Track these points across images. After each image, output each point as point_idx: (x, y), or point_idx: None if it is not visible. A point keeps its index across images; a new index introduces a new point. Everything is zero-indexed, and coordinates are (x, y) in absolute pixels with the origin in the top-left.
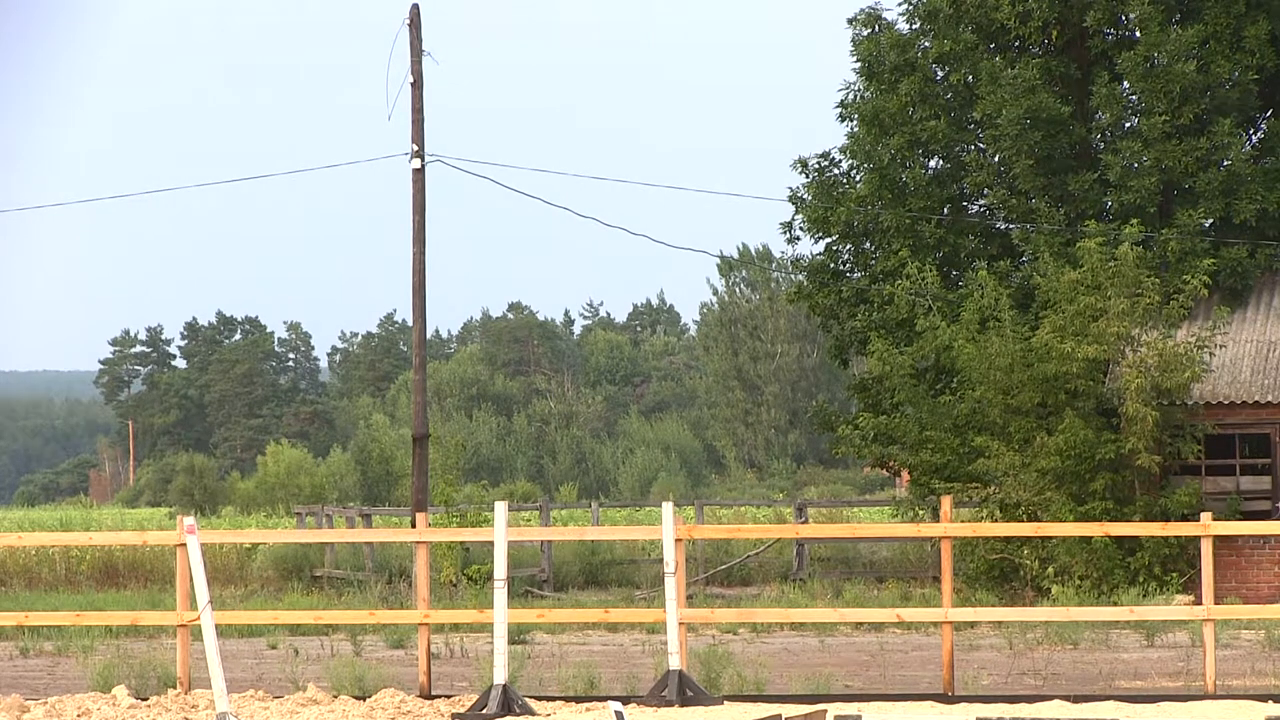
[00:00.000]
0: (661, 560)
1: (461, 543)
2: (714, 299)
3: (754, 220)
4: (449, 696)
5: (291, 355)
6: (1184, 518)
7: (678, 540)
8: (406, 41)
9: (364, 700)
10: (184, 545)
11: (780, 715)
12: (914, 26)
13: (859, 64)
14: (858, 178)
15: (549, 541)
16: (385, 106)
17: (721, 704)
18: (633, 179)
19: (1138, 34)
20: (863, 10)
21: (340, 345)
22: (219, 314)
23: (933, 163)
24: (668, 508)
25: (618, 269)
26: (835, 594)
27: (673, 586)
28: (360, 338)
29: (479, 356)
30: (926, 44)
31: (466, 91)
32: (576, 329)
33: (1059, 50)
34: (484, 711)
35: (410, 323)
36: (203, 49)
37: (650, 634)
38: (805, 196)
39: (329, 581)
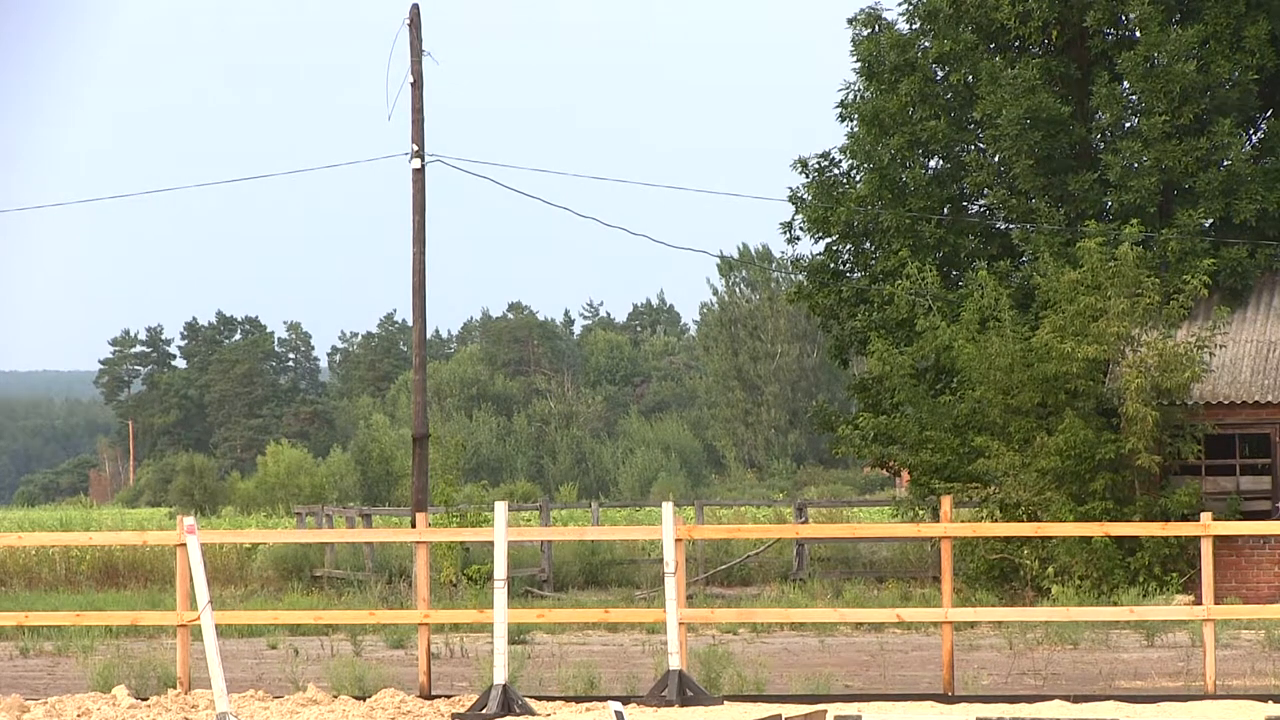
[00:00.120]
0: (661, 560)
1: (461, 543)
2: (714, 299)
3: (754, 220)
4: (449, 696)
5: (291, 355)
6: (1184, 518)
7: (678, 540)
8: (406, 41)
9: (364, 700)
10: (184, 545)
11: (780, 715)
12: (914, 26)
13: (859, 64)
14: (858, 178)
15: (549, 541)
16: (385, 106)
17: (721, 704)
18: (633, 179)
19: (1138, 34)
20: (863, 10)
21: (340, 345)
22: (219, 314)
23: (933, 163)
24: (668, 508)
25: (618, 269)
26: (835, 594)
27: (673, 586)
28: (360, 338)
29: (479, 356)
30: (926, 44)
31: (466, 91)
32: (576, 329)
33: (1059, 50)
34: (484, 711)
35: (410, 323)
36: (203, 49)
37: (650, 634)
38: (805, 196)
39: (329, 581)
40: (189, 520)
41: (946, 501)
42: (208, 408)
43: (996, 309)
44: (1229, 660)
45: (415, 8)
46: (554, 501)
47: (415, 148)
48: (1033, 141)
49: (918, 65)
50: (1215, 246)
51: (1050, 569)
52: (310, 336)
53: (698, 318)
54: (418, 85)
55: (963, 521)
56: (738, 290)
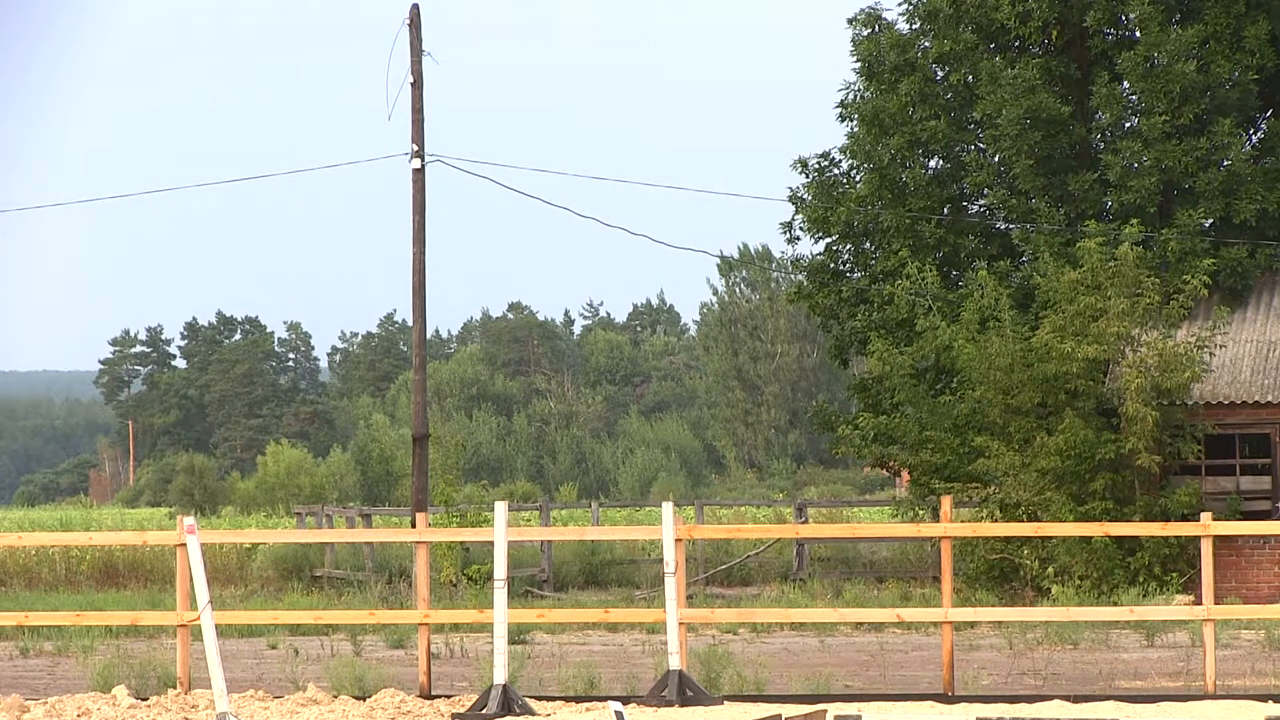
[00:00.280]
0: (661, 560)
1: (461, 543)
2: (714, 299)
3: (754, 220)
4: (449, 696)
5: (291, 355)
6: (1184, 518)
7: (678, 540)
8: (406, 41)
9: (364, 700)
10: (184, 545)
11: (780, 715)
12: (914, 26)
13: (859, 64)
14: (858, 178)
15: (549, 541)
16: (385, 106)
17: (721, 704)
18: (633, 179)
19: (1138, 34)
20: (863, 10)
21: (340, 345)
22: (219, 314)
23: (933, 163)
24: (668, 508)
25: (618, 269)
26: (835, 594)
27: (673, 586)
28: (360, 338)
29: (479, 356)
30: (926, 44)
31: (466, 91)
32: (576, 329)
33: (1059, 50)
34: (484, 711)
35: (410, 323)
36: (203, 49)
37: (650, 634)
38: (805, 196)
39: (329, 581)
40: (189, 520)
41: (946, 501)
42: (208, 408)
43: (996, 309)
44: (1229, 660)
45: (415, 8)
46: (554, 501)
47: (415, 148)
48: (1033, 141)
49: (918, 65)
50: (1215, 246)
51: (1050, 569)
52: (310, 336)
53: (698, 318)
54: (418, 85)
55: (963, 521)
56: (738, 290)
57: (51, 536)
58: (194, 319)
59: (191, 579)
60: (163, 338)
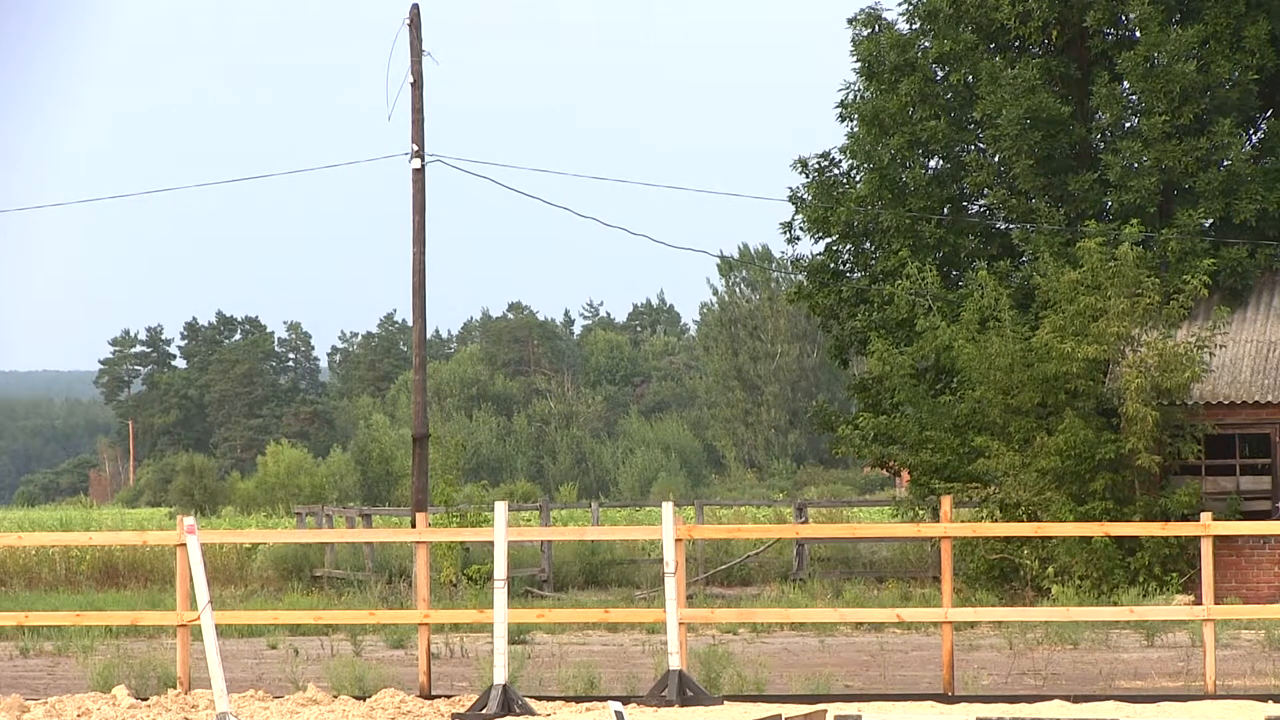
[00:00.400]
0: (661, 560)
1: (461, 543)
2: (714, 299)
3: (754, 220)
4: (449, 696)
5: (291, 355)
6: (1184, 518)
7: (678, 540)
8: (406, 41)
9: (364, 700)
10: (184, 545)
11: (780, 715)
12: (914, 26)
13: (859, 64)
14: (858, 178)
15: (549, 541)
16: (385, 106)
17: (721, 704)
18: (633, 179)
19: (1138, 34)
20: (863, 10)
21: (340, 345)
22: (219, 314)
23: (933, 163)
24: (668, 508)
25: (618, 269)
26: (835, 594)
27: (673, 586)
28: (360, 338)
29: (479, 356)
30: (926, 44)
31: (466, 91)
32: (576, 329)
33: (1059, 50)
34: (484, 711)
35: (410, 323)
36: (203, 49)
37: (650, 634)
38: (805, 196)
39: (329, 581)
40: (189, 520)
41: (946, 501)
42: (208, 408)
43: (996, 309)
44: (1229, 660)
45: (415, 8)
46: (554, 501)
47: (415, 148)
48: (1033, 141)
49: (918, 65)
50: (1215, 246)
51: (1050, 569)
52: (310, 336)
53: (698, 318)
54: (418, 85)
55: (963, 521)
56: (738, 290)
57: (51, 536)
58: (194, 319)
59: (191, 579)
60: (163, 338)
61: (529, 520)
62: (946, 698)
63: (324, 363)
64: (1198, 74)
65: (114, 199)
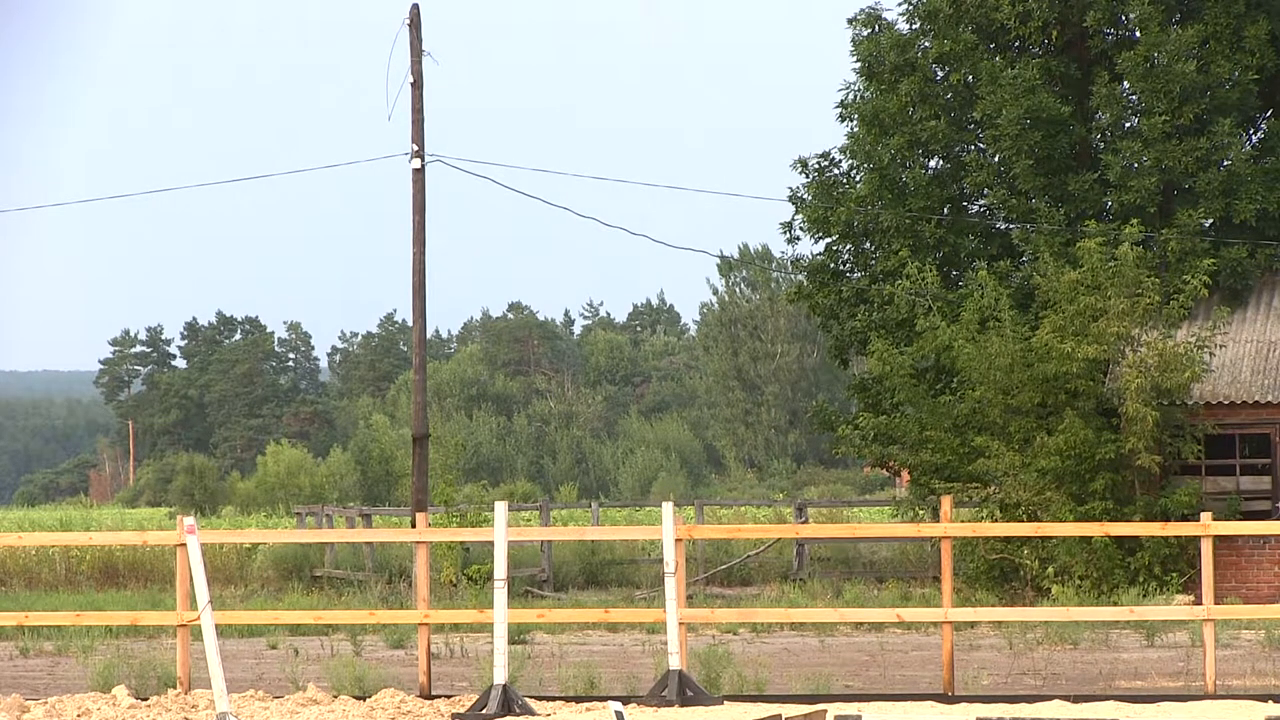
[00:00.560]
0: (661, 560)
1: (461, 543)
2: (714, 299)
3: (754, 220)
4: (449, 696)
5: (291, 355)
6: (1184, 518)
7: (678, 540)
8: (406, 41)
9: (364, 700)
10: (184, 545)
11: (780, 715)
12: (914, 26)
13: (859, 64)
14: (858, 178)
15: (549, 541)
16: (385, 106)
17: (721, 704)
18: (633, 179)
19: (1138, 34)
20: (863, 10)
21: (340, 345)
22: (219, 314)
23: (933, 163)
24: (668, 508)
25: (618, 269)
26: (835, 594)
27: (673, 586)
28: (360, 338)
29: (479, 356)
30: (926, 44)
31: (466, 91)
32: (576, 329)
33: (1059, 50)
34: (484, 711)
35: (410, 323)
36: (203, 49)
37: (650, 634)
38: (805, 196)
39: (329, 581)
40: (189, 520)
41: (946, 501)
42: (208, 408)
43: (996, 309)
44: (1229, 660)
45: (415, 8)
46: (554, 501)
47: (415, 148)
48: (1033, 141)
49: (918, 65)
50: (1215, 246)
51: (1050, 569)
52: (310, 336)
53: (698, 318)
54: (418, 85)
55: (963, 521)
56: (738, 290)
57: (51, 536)
58: (194, 319)
59: (191, 579)
60: (163, 338)
61: (529, 520)
62: (946, 698)
63: (324, 363)
64: (1198, 74)
65: (114, 199)
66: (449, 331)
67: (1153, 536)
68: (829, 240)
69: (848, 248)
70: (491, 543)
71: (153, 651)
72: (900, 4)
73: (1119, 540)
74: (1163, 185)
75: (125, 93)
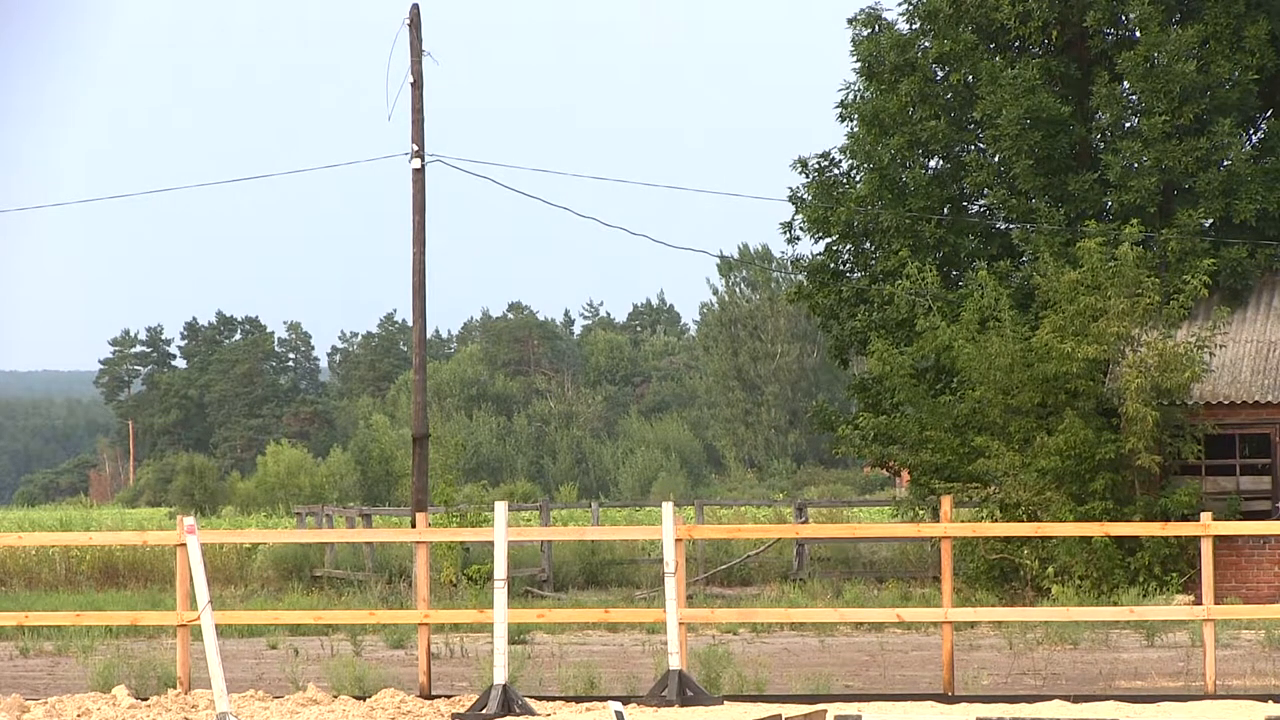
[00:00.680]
0: (661, 560)
1: (461, 543)
2: (714, 299)
3: (754, 220)
4: (449, 696)
5: (291, 355)
6: (1184, 518)
7: (678, 540)
8: (406, 41)
9: (364, 700)
10: (184, 545)
11: (780, 715)
12: (914, 26)
13: (859, 64)
14: (858, 178)
15: (549, 541)
16: (385, 106)
17: (721, 704)
18: (633, 179)
19: (1138, 34)
20: (863, 10)
21: (340, 345)
22: (219, 314)
23: (933, 163)
24: (668, 508)
25: (618, 269)
26: (835, 594)
27: (673, 586)
28: (360, 338)
29: (479, 356)
30: (926, 44)
31: (466, 91)
32: (576, 329)
33: (1059, 50)
34: (484, 711)
35: (410, 323)
36: (203, 49)
37: (650, 634)
38: (805, 196)
39: (329, 581)
40: (189, 520)
41: (946, 501)
42: (208, 408)
43: (996, 309)
44: (1229, 660)
45: (415, 8)
46: (554, 501)
47: (415, 148)
48: (1033, 141)
49: (918, 65)
50: (1215, 246)
51: (1050, 569)
52: (310, 336)
53: (698, 318)
54: (418, 85)
55: (963, 521)
56: (738, 290)
57: (51, 536)
58: (194, 319)
59: (191, 579)
60: (163, 338)
61: (529, 520)
62: (946, 698)
63: (324, 363)
64: (1198, 74)
65: (114, 199)
66: (449, 331)
67: (1153, 536)
68: (829, 240)
69: (848, 248)
70: (491, 543)
71: (153, 651)
72: (900, 4)
73: (1119, 540)
74: (1163, 185)
75: (125, 93)
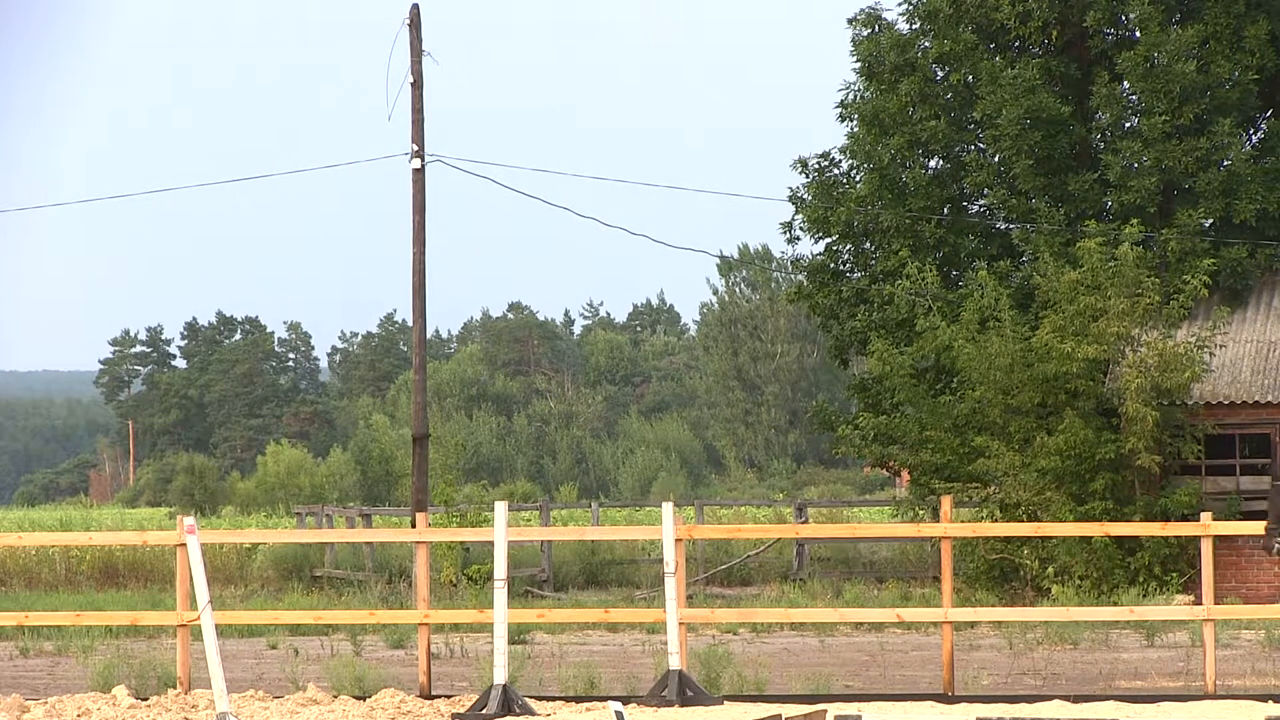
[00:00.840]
0: (661, 560)
1: (461, 543)
2: (714, 299)
3: (754, 220)
4: (449, 696)
5: (291, 355)
6: (1184, 518)
7: (678, 540)
8: (406, 41)
9: (364, 700)
10: (184, 545)
11: (780, 715)
12: (914, 26)
13: (859, 64)
14: (858, 178)
15: (549, 541)
16: (385, 106)
17: (721, 704)
18: (633, 179)
19: (1138, 34)
20: (863, 10)
21: (340, 345)
22: (219, 314)
23: (933, 163)
24: (668, 508)
25: (618, 269)
26: (835, 594)
27: (673, 586)
28: (360, 338)
29: (479, 356)
30: (926, 44)
31: (466, 91)
32: (576, 329)
33: (1059, 50)
34: (484, 711)
35: (410, 323)
36: (203, 49)
37: (650, 634)
38: (805, 196)
39: (329, 581)
40: (189, 520)
41: (946, 501)
42: (208, 408)
43: (996, 309)
44: (1229, 660)
45: (415, 8)
46: (554, 501)
47: (415, 148)
48: (1033, 141)
49: (918, 65)
50: (1215, 246)
51: (1050, 569)
52: (310, 336)
53: (698, 318)
54: (418, 85)
55: (963, 521)
56: (738, 290)
57: (51, 536)
58: (194, 319)
59: (191, 579)
60: (163, 338)
61: (529, 520)
62: (946, 698)
63: (324, 363)
64: (1198, 74)
65: (114, 199)
66: (449, 331)
67: (1153, 536)
68: (829, 240)
69: (848, 248)
70: (491, 543)
71: (153, 651)
72: (900, 4)
73: (1119, 540)
74: (1163, 185)
75: (125, 93)
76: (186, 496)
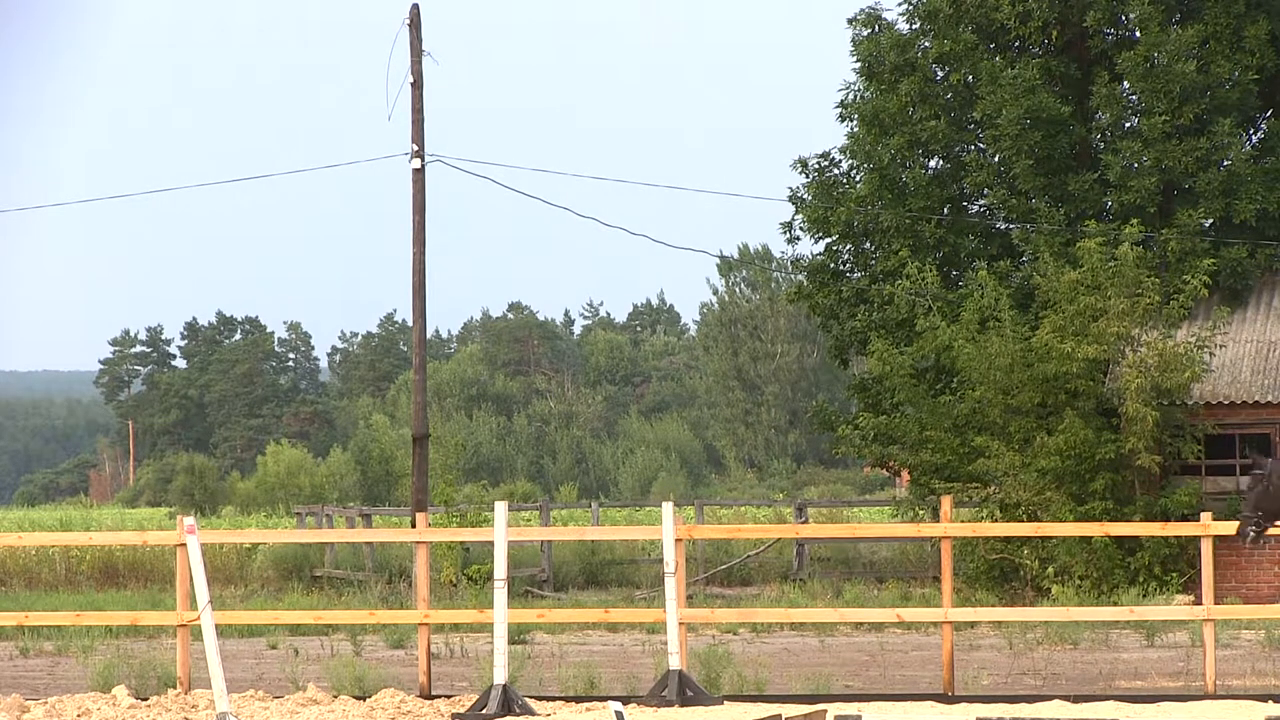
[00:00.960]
0: (661, 560)
1: (461, 543)
2: (714, 299)
3: (754, 220)
4: (449, 696)
5: (291, 355)
6: (1184, 518)
7: (678, 540)
8: (406, 41)
9: (364, 700)
10: (184, 545)
11: (780, 715)
12: (914, 26)
13: (859, 64)
14: (858, 178)
15: (549, 541)
16: (385, 106)
17: (721, 704)
18: (633, 179)
19: (1138, 34)
20: (863, 10)
21: (340, 345)
22: (219, 314)
23: (933, 163)
24: (668, 508)
25: (618, 269)
26: (835, 594)
27: (673, 586)
28: (360, 338)
29: (479, 356)
30: (926, 44)
31: (466, 91)
32: (576, 329)
33: (1059, 50)
34: (484, 711)
35: (410, 323)
36: (203, 49)
37: (650, 634)
38: (805, 196)
39: (329, 581)
40: (189, 520)
41: (946, 501)
42: (208, 408)
43: (996, 309)
44: (1229, 660)
45: (415, 8)
46: (554, 501)
47: (415, 148)
48: (1033, 141)
49: (918, 65)
50: (1215, 246)
51: (1050, 569)
52: (310, 336)
53: (698, 318)
54: (418, 85)
55: (963, 521)
56: (738, 290)
57: (51, 536)
58: (194, 319)
59: (191, 579)
60: (163, 338)
61: (529, 520)
62: (946, 698)
63: (324, 363)
64: (1198, 74)
65: (114, 199)
66: (449, 331)
67: (1153, 536)
68: (829, 240)
69: (848, 248)
70: (491, 543)
71: (153, 651)
72: (900, 4)
73: (1119, 540)
74: (1163, 185)
75: (125, 93)
76: (186, 496)
